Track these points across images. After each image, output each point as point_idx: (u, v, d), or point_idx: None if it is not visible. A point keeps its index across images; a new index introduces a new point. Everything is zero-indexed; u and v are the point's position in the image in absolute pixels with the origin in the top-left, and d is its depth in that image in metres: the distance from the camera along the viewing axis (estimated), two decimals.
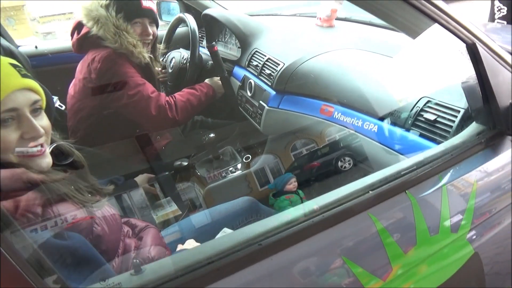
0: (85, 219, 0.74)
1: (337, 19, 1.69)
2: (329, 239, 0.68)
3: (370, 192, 0.73)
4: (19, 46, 1.82)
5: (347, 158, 1.41)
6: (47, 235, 0.64)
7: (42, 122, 0.72)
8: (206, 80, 1.67)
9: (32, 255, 0.53)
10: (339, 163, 1.41)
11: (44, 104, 0.74)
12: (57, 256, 0.62)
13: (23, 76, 0.69)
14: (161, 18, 2.14)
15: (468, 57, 0.87)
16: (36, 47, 1.85)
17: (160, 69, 1.78)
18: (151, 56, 1.55)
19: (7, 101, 0.66)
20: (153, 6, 1.52)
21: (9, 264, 0.47)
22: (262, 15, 2.07)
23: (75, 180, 0.81)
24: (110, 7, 1.42)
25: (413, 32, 0.90)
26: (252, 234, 0.63)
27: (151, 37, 1.52)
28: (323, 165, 1.42)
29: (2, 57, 0.70)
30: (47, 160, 0.72)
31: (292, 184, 1.36)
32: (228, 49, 1.87)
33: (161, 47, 1.87)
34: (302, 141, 1.59)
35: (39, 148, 0.69)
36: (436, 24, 0.81)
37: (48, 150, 0.72)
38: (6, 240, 0.48)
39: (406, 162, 0.81)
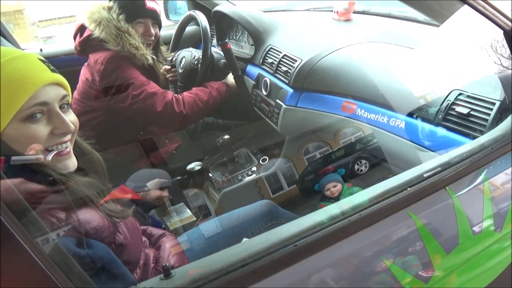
0: (108, 226, 0.73)
1: (355, 12, 1.69)
2: (367, 239, 0.67)
3: (409, 189, 0.72)
4: (24, 49, 1.85)
5: (363, 161, 1.40)
6: (68, 242, 0.63)
7: (71, 117, 0.73)
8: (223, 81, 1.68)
9: (55, 262, 0.53)
10: (356, 167, 1.41)
11: (70, 100, 0.75)
12: (79, 265, 0.62)
13: (52, 71, 0.71)
14: (168, 17, 2.16)
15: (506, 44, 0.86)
16: (41, 50, 1.87)
17: (169, 67, 1.80)
18: (154, 57, 1.58)
19: (39, 95, 0.67)
20: (157, 7, 1.56)
21: (41, 270, 0.47)
22: (275, 11, 2.08)
23: (95, 184, 0.81)
24: (112, 8, 1.46)
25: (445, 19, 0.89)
26: (287, 235, 0.62)
27: (153, 38, 1.55)
28: (339, 170, 1.42)
29: (31, 52, 0.72)
30: (73, 161, 0.72)
31: (330, 191, 1.33)
32: (240, 47, 1.87)
33: (170, 47, 1.88)
34: (314, 144, 1.58)
35: (39, 155, 0.67)
36: (460, 14, 0.80)
37: (71, 150, 0.72)
38: (37, 246, 0.48)
39: (444, 157, 0.80)
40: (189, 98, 1.54)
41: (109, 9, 1.46)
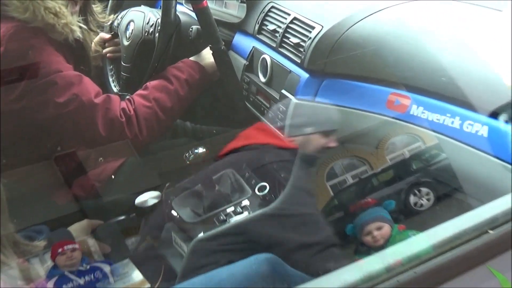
0: None
1: None
2: None
3: (491, 232, 0.75)
4: None
5: (424, 190, 1.43)
6: None
7: None
8: (192, 58, 1.73)
9: None
10: (412, 198, 1.43)
11: None
12: None
13: None
14: None
15: None
16: None
17: (107, 36, 1.85)
18: (83, 26, 1.62)
19: None
20: None
21: None
22: None
23: None
24: None
25: None
26: None
27: None
28: (385, 202, 1.44)
29: None
30: None
31: (371, 236, 1.34)
32: (223, 5, 1.92)
33: (109, 5, 1.93)
34: (344, 163, 1.61)
35: None
36: None
37: None
38: None
39: None
40: (145, 111, 1.58)
41: None
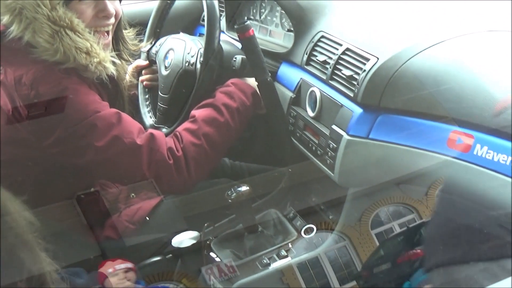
0: None
1: None
2: None
3: None
4: None
5: None
6: None
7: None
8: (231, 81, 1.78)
9: None
10: None
11: None
12: None
13: None
14: None
15: None
16: None
17: (144, 63, 1.94)
18: (117, 61, 1.68)
19: None
20: None
21: None
22: None
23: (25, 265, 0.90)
24: None
25: None
26: None
27: (112, 20, 1.64)
28: None
29: None
30: None
31: None
32: (268, 34, 1.98)
33: (146, 31, 2.02)
34: (390, 210, 1.62)
35: None
36: None
37: None
38: None
39: None
40: (194, 151, 1.62)
41: None
